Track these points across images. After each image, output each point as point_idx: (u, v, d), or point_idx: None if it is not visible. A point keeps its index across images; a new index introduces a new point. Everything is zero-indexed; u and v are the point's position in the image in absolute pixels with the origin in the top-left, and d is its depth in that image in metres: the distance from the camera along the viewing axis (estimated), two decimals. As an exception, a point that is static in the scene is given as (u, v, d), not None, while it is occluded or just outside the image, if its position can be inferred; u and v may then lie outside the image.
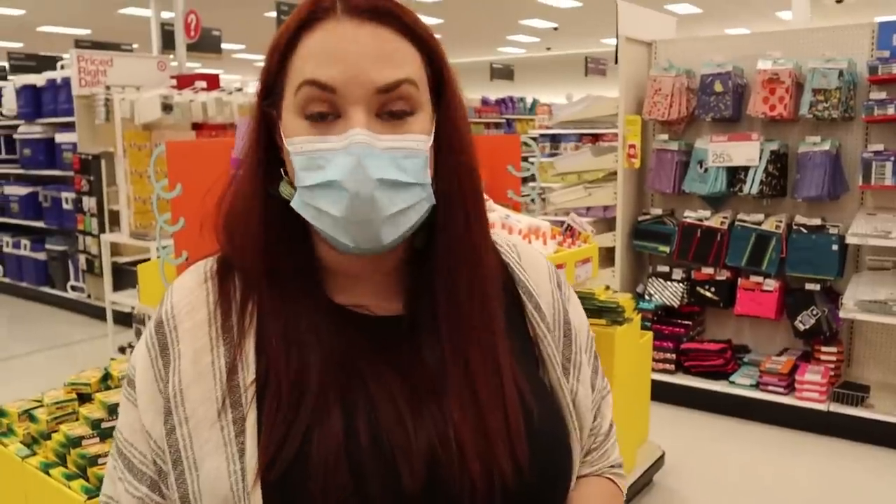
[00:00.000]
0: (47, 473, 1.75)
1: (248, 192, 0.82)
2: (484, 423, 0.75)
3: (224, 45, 9.89)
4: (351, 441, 0.72)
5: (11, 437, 1.93)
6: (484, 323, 0.81)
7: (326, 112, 0.75)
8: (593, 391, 0.92)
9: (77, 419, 1.87)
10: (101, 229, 6.10)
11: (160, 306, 0.83)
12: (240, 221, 0.82)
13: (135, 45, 10.47)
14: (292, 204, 0.77)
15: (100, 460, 1.70)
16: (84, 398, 1.97)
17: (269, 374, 0.76)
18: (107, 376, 2.02)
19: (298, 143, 0.76)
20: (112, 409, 1.81)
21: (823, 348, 4.07)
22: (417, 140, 0.76)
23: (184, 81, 5.82)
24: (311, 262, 0.83)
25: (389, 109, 0.75)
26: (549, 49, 18.88)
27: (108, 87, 5.65)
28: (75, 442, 1.74)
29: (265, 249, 0.80)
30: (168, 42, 7.99)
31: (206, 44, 8.47)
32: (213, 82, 5.95)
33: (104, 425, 1.80)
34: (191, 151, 2.41)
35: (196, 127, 5.59)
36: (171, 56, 7.27)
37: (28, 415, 1.92)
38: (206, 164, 2.32)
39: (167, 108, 5.03)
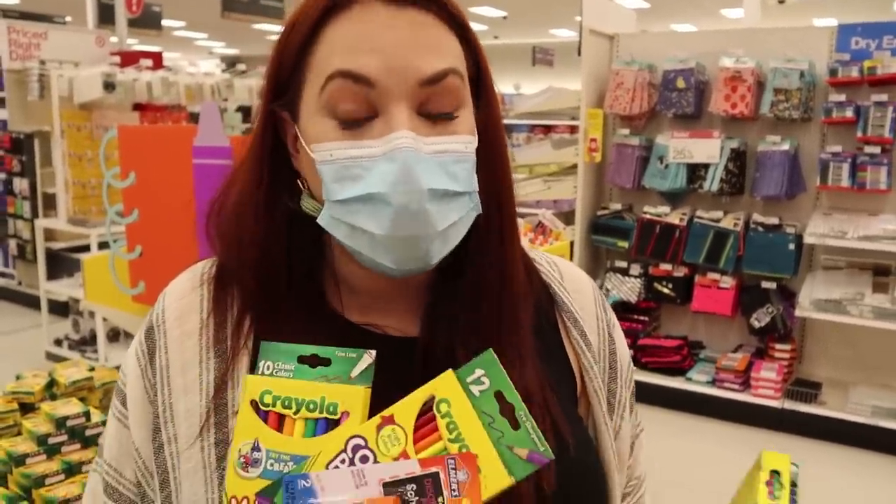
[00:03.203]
0: (-15, 495, 1.58)
1: (249, 202, 0.72)
2: None
3: (164, 22, 9.48)
4: None
5: (-58, 452, 1.74)
6: (511, 348, 0.71)
7: (362, 116, 0.65)
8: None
9: (20, 433, 1.69)
10: (34, 213, 5.77)
11: (152, 311, 0.76)
12: (237, 234, 0.73)
13: (67, 18, 9.94)
14: (319, 220, 0.68)
15: (47, 480, 1.54)
16: (27, 408, 1.79)
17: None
18: (52, 383, 1.85)
19: (328, 149, 0.66)
20: (60, 423, 1.64)
21: (777, 346, 4.13)
22: (466, 141, 0.68)
23: (128, 59, 5.51)
24: (322, 276, 0.74)
25: (433, 109, 0.66)
26: (496, 38, 18.82)
27: (42, 62, 5.31)
28: (18, 460, 1.57)
29: (267, 264, 0.72)
30: (104, 16, 7.58)
31: (145, 20, 8.11)
32: (157, 61, 5.66)
33: (51, 440, 1.63)
34: (146, 138, 2.24)
35: (138, 108, 5.30)
36: (109, 31, 6.89)
37: (-38, 427, 1.73)
38: (163, 152, 2.15)
39: (109, 86, 4.74)
